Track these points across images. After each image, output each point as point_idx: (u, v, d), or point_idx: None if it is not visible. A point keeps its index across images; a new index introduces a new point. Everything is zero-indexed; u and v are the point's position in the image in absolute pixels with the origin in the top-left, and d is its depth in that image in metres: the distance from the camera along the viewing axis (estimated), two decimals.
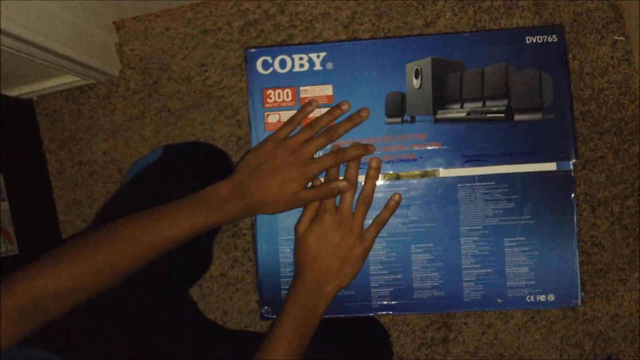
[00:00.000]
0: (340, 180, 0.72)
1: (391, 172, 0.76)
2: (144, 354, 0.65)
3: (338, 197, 0.73)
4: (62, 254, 0.58)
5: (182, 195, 0.68)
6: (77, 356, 0.56)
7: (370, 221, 0.74)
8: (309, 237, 0.72)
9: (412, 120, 0.76)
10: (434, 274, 0.76)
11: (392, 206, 0.75)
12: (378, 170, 0.74)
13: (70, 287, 0.56)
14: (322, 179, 0.73)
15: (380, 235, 0.74)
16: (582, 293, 0.76)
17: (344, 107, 0.74)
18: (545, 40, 0.75)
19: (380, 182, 0.76)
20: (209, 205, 0.67)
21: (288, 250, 0.77)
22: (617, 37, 0.97)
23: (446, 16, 0.99)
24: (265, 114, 0.77)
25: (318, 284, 0.71)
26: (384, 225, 0.74)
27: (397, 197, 0.75)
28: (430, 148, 0.75)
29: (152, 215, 0.64)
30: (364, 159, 0.74)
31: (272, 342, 0.67)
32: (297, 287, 0.71)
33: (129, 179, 0.78)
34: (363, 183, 0.73)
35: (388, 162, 0.75)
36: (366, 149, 0.73)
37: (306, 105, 0.75)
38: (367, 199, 0.73)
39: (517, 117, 0.75)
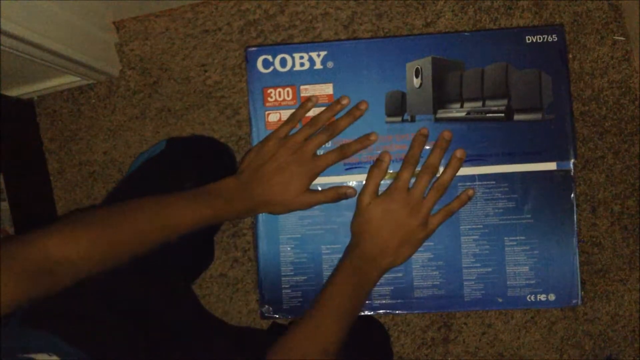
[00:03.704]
0: (348, 186, 0.74)
1: (391, 171, 0.75)
2: (145, 347, 0.65)
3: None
4: (82, 221, 0.59)
5: (184, 189, 0.69)
6: (82, 344, 0.56)
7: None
8: (375, 210, 0.71)
9: (412, 119, 0.76)
10: (434, 272, 0.76)
11: (463, 199, 0.74)
12: (461, 161, 0.74)
13: (84, 256, 0.57)
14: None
15: None
16: (582, 293, 0.76)
17: (344, 102, 0.74)
18: (545, 40, 0.75)
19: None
20: (216, 200, 0.67)
21: (289, 249, 0.77)
22: (617, 37, 0.97)
23: (446, 16, 0.99)
24: (266, 112, 0.77)
25: (374, 255, 0.71)
26: (450, 215, 0.74)
27: (470, 192, 0.74)
28: (430, 147, 0.75)
29: (161, 202, 0.65)
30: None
31: (323, 299, 0.67)
32: (353, 255, 0.71)
33: (132, 171, 0.78)
34: (442, 170, 0.73)
35: None
36: (368, 139, 0.74)
37: (306, 102, 0.75)
38: (442, 187, 0.72)
39: (516, 117, 0.75)
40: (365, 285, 0.71)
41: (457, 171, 0.73)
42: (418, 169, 0.73)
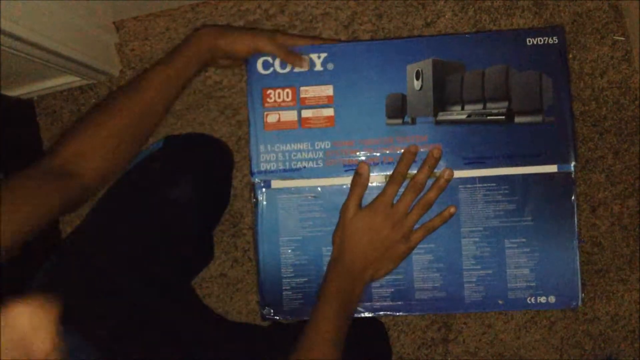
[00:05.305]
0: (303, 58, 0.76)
1: (386, 174, 0.75)
2: (147, 346, 0.65)
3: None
4: (106, 108, 0.67)
5: (182, 188, 0.69)
6: (88, 339, 0.57)
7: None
8: (358, 222, 0.72)
9: (413, 121, 0.76)
10: (435, 274, 0.76)
11: (445, 216, 0.74)
12: (448, 182, 0.73)
13: (118, 133, 0.66)
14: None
15: None
16: (583, 294, 0.76)
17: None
18: (545, 42, 0.75)
19: (380, 182, 0.76)
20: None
21: (289, 251, 0.77)
22: (617, 37, 0.97)
23: (446, 16, 0.98)
24: (265, 113, 0.77)
25: (356, 269, 0.71)
26: (431, 232, 0.74)
27: (452, 209, 0.74)
28: (428, 149, 0.75)
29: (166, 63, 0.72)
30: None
31: (316, 324, 0.68)
32: (336, 271, 0.72)
33: (130, 168, 0.79)
34: (429, 189, 0.73)
35: (389, 163, 0.75)
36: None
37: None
38: (426, 205, 0.73)
39: (517, 119, 0.75)
40: (350, 303, 0.71)
41: (442, 191, 0.73)
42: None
